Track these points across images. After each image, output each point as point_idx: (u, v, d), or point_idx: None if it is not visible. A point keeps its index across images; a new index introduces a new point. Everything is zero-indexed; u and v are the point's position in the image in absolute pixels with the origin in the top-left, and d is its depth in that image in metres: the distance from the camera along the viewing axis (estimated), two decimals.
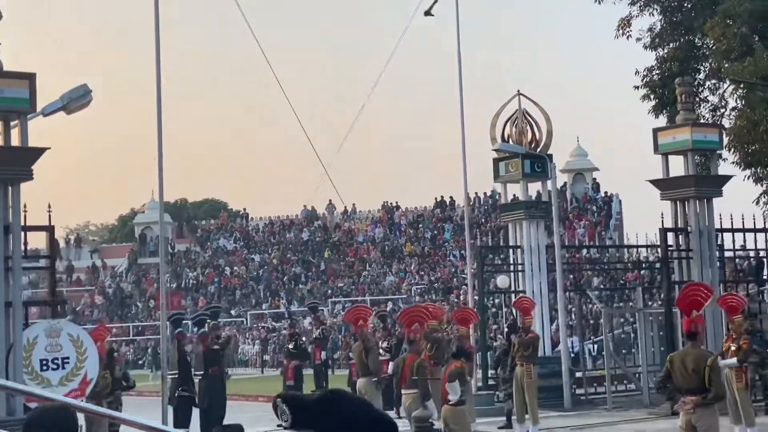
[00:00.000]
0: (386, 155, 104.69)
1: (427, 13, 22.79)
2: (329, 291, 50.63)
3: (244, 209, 63.50)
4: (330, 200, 56.44)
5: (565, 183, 52.51)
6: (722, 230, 21.16)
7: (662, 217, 20.63)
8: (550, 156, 23.07)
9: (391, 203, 58.14)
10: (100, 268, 58.07)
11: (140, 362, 46.37)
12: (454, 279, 47.06)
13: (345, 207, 58.72)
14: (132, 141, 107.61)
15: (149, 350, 46.59)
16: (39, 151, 13.29)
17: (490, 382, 21.94)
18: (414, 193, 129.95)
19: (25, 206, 13.58)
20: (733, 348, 15.47)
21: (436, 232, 53.96)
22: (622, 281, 34.68)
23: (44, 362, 13.24)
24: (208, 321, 19.05)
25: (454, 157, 24.16)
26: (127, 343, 47.49)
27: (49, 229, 14.52)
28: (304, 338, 24.81)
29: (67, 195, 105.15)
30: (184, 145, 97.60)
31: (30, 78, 13.22)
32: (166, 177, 17.65)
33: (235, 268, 54.93)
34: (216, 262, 55.90)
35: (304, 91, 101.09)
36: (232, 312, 50.72)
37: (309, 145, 18.72)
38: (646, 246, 25.13)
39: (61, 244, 62.12)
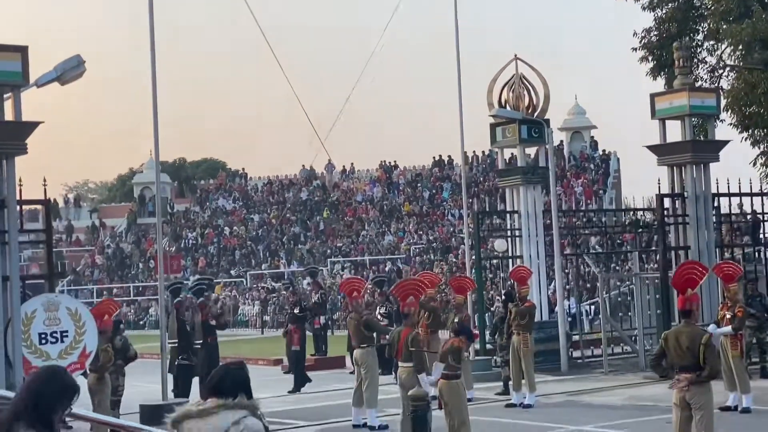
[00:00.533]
0: (384, 114, 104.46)
1: None
2: (328, 251, 50.73)
3: (243, 169, 63.54)
4: (329, 159, 56.36)
5: (562, 141, 52.44)
6: (719, 195, 21.19)
7: (659, 183, 20.66)
8: (548, 121, 23.03)
9: (389, 162, 58.11)
10: (100, 228, 58.15)
11: (141, 323, 46.59)
12: (453, 239, 47.14)
13: (343, 166, 58.80)
14: (129, 105, 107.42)
15: (150, 311, 46.82)
16: (33, 125, 13.29)
17: (488, 347, 22.07)
18: (412, 152, 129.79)
19: (20, 180, 13.61)
20: (728, 316, 15.57)
21: (434, 191, 53.97)
22: (619, 241, 34.77)
23: (43, 336, 13.36)
24: (206, 291, 19.14)
25: (452, 115, 24.17)
26: (128, 304, 47.66)
27: (45, 203, 14.56)
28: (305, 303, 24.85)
29: (65, 152, 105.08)
30: (182, 104, 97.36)
31: (22, 51, 13.19)
32: (163, 137, 17.56)
33: (235, 228, 55.01)
34: (215, 222, 55.97)
35: (305, 54, 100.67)
36: (232, 272, 50.87)
37: (309, 106, 18.71)
38: (643, 209, 25.17)
39: (60, 203, 62.22)
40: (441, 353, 12.08)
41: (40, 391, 4.95)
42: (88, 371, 14.24)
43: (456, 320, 16.36)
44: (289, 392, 20.40)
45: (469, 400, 14.93)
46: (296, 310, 22.16)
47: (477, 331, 20.13)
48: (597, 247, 33.75)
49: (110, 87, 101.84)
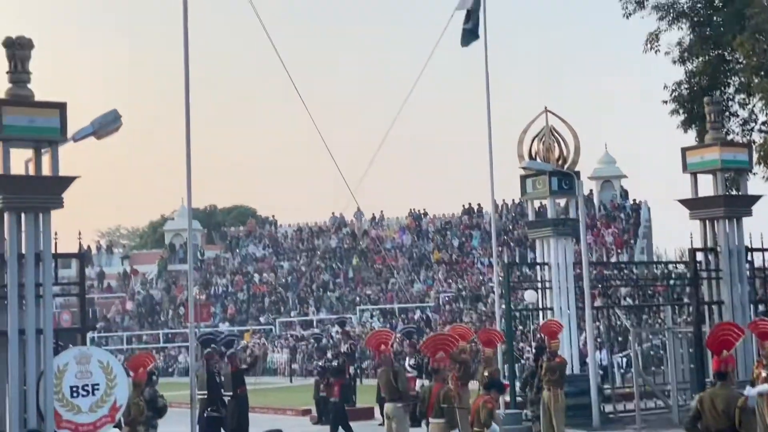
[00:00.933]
0: (414, 162, 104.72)
1: (464, 45, 22.77)
2: (357, 298, 50.73)
3: (273, 216, 63.81)
4: (358, 207, 56.45)
5: (592, 191, 52.35)
6: (752, 249, 21.01)
7: (691, 237, 20.54)
8: (578, 173, 23.02)
9: (418, 210, 58.20)
10: (131, 275, 58.48)
11: (170, 370, 46.65)
12: (482, 287, 47.02)
13: (373, 214, 58.96)
14: (162, 153, 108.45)
15: (179, 358, 46.89)
16: (69, 180, 13.43)
17: (518, 399, 21.90)
18: (441, 200, 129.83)
19: (56, 234, 13.73)
20: (764, 374, 15.35)
21: (463, 239, 53.94)
22: (650, 292, 34.50)
23: (74, 389, 13.38)
24: (235, 342, 19.23)
25: (482, 163, 24.25)
26: (157, 351, 47.76)
27: (80, 256, 14.67)
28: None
29: (98, 199, 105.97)
30: (214, 152, 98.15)
31: (60, 107, 13.36)
32: (194, 183, 17.63)
33: (264, 274, 55.15)
34: (245, 269, 56.15)
35: (335, 101, 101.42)
36: (261, 319, 50.93)
37: (339, 153, 18.83)
38: (675, 262, 24.99)
39: (93, 249, 62.64)
40: (474, 410, 11.98)
41: None
42: (122, 424, 14.29)
43: (486, 374, 16.27)
44: None
45: None
46: (335, 363, 22.37)
47: (507, 382, 19.95)
48: (628, 298, 33.55)
49: (144, 134, 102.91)
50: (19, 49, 13.11)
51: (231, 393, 18.41)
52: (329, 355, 24.85)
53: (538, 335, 21.04)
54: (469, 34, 22.79)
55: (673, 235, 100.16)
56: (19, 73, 13.11)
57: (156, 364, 19.74)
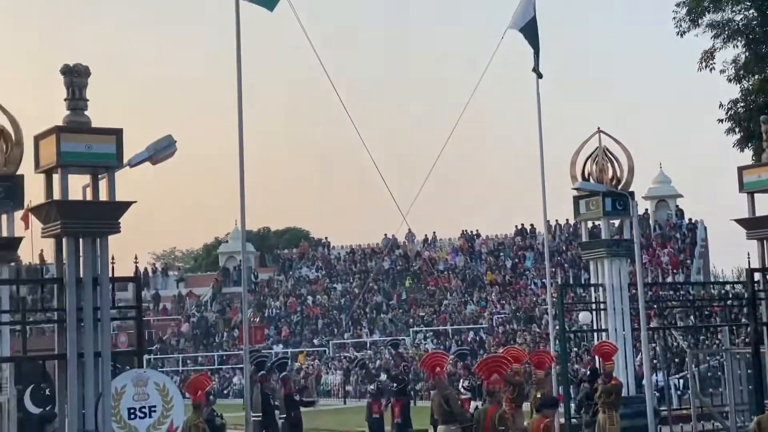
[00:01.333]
0: (466, 183, 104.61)
1: (535, 70, 22.80)
2: (410, 320, 50.68)
3: (326, 238, 64.08)
4: (409, 229, 56.52)
5: (647, 210, 51.89)
6: None
7: (749, 257, 20.27)
8: (632, 193, 22.83)
9: (471, 231, 58.05)
10: (186, 297, 59.02)
11: (225, 392, 46.91)
12: (536, 309, 46.74)
13: (425, 235, 58.93)
14: (216, 176, 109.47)
15: (234, 380, 47.14)
16: (126, 205, 13.62)
17: (573, 422, 21.71)
18: (494, 221, 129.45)
19: (112, 258, 13.92)
20: None
21: (516, 260, 53.71)
22: (707, 313, 34.08)
23: (132, 411, 13.55)
24: (288, 365, 19.34)
25: (535, 184, 24.15)
26: (212, 373, 48.08)
27: (136, 280, 14.86)
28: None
29: (153, 222, 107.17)
30: (267, 174, 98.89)
31: (117, 133, 13.55)
32: (248, 206, 17.84)
33: (317, 296, 55.34)
34: (298, 291, 56.41)
35: (387, 120, 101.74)
36: (315, 341, 51.08)
37: (391, 175, 18.90)
38: (733, 282, 24.66)
39: (149, 272, 63.38)
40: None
41: None
42: None
43: (538, 395, 16.19)
44: None
45: None
46: (394, 385, 22.46)
47: (559, 394, 19.68)
48: (685, 319, 33.14)
49: (198, 158, 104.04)
50: (77, 77, 13.35)
51: (285, 415, 18.50)
52: (383, 377, 24.89)
53: (588, 357, 20.86)
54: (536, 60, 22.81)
55: (731, 254, 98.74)
56: (76, 100, 13.34)
57: (212, 386, 19.94)
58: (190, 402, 16.35)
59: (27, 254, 50.08)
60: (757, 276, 20.33)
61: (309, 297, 55.53)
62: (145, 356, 37.82)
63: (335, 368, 46.45)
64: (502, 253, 54.68)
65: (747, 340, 23.82)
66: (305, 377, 38.97)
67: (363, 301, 53.39)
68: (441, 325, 49.01)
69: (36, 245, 45.17)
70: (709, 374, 26.76)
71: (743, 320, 26.01)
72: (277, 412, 18.78)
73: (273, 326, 52.63)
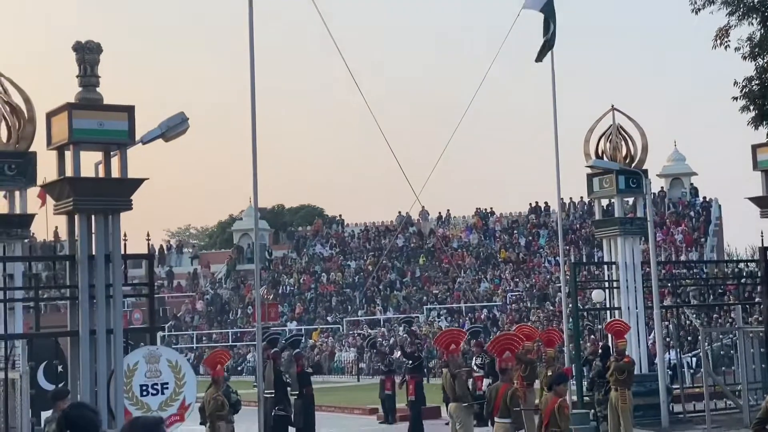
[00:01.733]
0: (481, 161, 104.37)
1: (539, 59, 22.64)
2: (424, 298, 50.74)
3: (340, 215, 64.04)
4: (423, 207, 56.44)
5: (663, 188, 51.70)
6: None
7: (762, 236, 20.20)
8: (645, 171, 22.77)
9: (485, 209, 57.99)
10: (200, 274, 59.20)
11: (239, 369, 47.11)
12: (550, 287, 46.71)
13: (439, 213, 58.88)
14: (231, 153, 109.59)
15: (248, 357, 47.33)
16: (138, 182, 13.66)
17: (585, 399, 21.72)
18: (509, 199, 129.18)
19: (125, 235, 13.96)
20: None
21: (530, 238, 53.64)
22: (720, 290, 33.99)
23: (144, 388, 13.62)
24: (301, 342, 19.40)
25: (549, 162, 24.12)
26: (227, 350, 48.28)
27: (149, 257, 14.91)
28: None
29: (168, 199, 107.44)
30: (281, 151, 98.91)
31: (129, 110, 13.58)
32: (262, 183, 17.86)
33: (331, 274, 55.44)
34: (312, 269, 56.50)
35: (401, 98, 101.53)
36: (328, 319, 51.21)
37: (405, 155, 18.91)
38: (746, 261, 24.57)
39: (163, 249, 63.55)
40: (549, 412, 11.77)
41: None
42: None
43: (549, 374, 16.19)
44: None
45: None
46: (409, 363, 22.56)
47: (567, 368, 19.58)
48: (701, 297, 33.01)
49: (213, 135, 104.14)
50: (89, 53, 13.37)
51: (297, 392, 18.56)
52: (397, 354, 24.94)
53: (593, 337, 20.83)
54: (547, 45, 22.56)
55: (746, 232, 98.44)
56: (88, 77, 13.37)
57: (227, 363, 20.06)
58: (210, 377, 16.47)
59: (42, 231, 50.38)
60: None
61: (323, 274, 55.64)
62: (159, 333, 38.08)
63: (349, 345, 46.58)
64: (516, 231, 54.60)
65: (760, 318, 23.77)
66: (319, 354, 39.11)
67: (377, 278, 53.46)
68: (454, 302, 49.05)
69: (51, 222, 45.50)
70: (721, 353, 26.73)
71: (756, 299, 25.93)
72: (289, 389, 18.81)
73: (287, 303, 52.77)
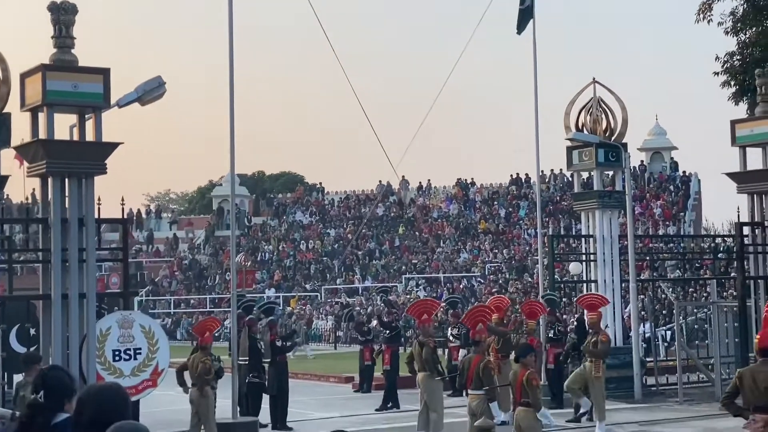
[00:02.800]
0: (462, 131, 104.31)
1: (519, 31, 22.58)
2: (403, 267, 50.77)
3: (321, 183, 63.90)
4: (403, 176, 56.38)
5: (643, 161, 51.80)
6: None
7: (738, 211, 20.27)
8: (625, 145, 22.76)
9: (466, 179, 57.96)
10: (179, 239, 58.99)
11: (217, 335, 46.92)
12: (528, 258, 46.82)
13: (420, 183, 58.82)
14: (211, 119, 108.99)
15: (225, 323, 47.26)
16: (113, 146, 13.54)
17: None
18: (489, 170, 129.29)
19: (99, 199, 13.85)
20: None
21: (510, 209, 53.69)
22: (697, 264, 34.14)
23: (117, 353, 13.58)
24: (276, 310, 19.34)
25: (530, 133, 24.13)
26: (204, 316, 48.19)
27: (123, 222, 14.81)
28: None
29: (146, 164, 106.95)
30: (262, 119, 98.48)
31: (104, 73, 13.44)
32: (243, 150, 17.78)
33: (311, 242, 55.36)
34: (292, 236, 56.41)
35: (381, 70, 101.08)
36: (307, 287, 51.20)
37: (385, 125, 18.83)
38: (723, 236, 24.68)
39: (142, 214, 63.32)
40: (521, 384, 11.71)
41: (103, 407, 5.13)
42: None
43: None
44: (376, 410, 20.67)
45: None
46: (386, 332, 22.58)
47: (532, 338, 19.56)
48: (677, 271, 33.20)
49: (191, 100, 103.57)
50: (64, 14, 13.19)
51: (269, 360, 18.53)
52: (374, 323, 24.90)
53: (562, 312, 20.86)
54: (526, 16, 22.46)
55: (724, 208, 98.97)
56: (63, 38, 13.20)
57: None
58: (197, 343, 16.46)
59: (20, 193, 50.06)
60: (746, 230, 20.36)
61: (302, 242, 55.56)
62: (136, 298, 37.93)
63: (326, 314, 46.60)
64: (496, 202, 54.63)
65: (734, 293, 23.90)
66: (296, 321, 39.08)
67: (356, 247, 53.43)
68: (433, 272, 49.10)
69: (29, 184, 45.13)
70: (696, 327, 26.91)
71: (732, 273, 26.06)
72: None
73: (266, 270, 52.69)
